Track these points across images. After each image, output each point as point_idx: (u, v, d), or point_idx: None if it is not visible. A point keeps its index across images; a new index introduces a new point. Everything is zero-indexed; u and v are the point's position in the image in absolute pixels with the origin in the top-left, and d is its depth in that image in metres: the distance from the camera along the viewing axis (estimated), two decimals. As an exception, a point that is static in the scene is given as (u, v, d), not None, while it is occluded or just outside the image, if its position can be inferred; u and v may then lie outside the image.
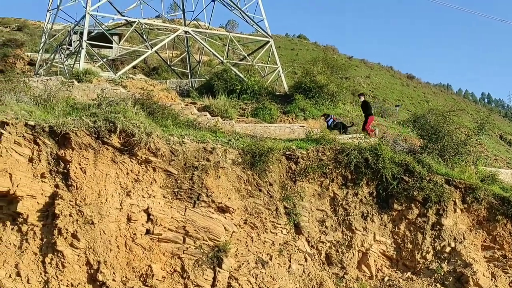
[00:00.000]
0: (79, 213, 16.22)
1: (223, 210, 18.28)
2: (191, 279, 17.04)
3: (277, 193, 19.63)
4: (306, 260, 19.27)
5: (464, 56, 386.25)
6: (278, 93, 39.10)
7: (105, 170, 17.09)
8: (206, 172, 18.29)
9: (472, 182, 21.04)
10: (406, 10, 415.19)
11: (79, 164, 16.77)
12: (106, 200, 16.79)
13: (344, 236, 19.97)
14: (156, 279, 16.69)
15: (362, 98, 28.42)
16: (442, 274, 19.85)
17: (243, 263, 18.12)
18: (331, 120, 28.65)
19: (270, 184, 19.60)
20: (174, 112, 22.51)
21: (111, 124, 17.42)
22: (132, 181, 17.42)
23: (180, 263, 17.24)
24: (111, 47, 52.50)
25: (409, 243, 20.20)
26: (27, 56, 50.57)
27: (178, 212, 17.62)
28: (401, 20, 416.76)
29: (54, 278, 15.69)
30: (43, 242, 15.99)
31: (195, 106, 31.65)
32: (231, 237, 18.28)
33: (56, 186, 16.54)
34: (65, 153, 16.71)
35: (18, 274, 15.47)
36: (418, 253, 20.07)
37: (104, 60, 43.11)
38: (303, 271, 19.05)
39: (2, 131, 16.10)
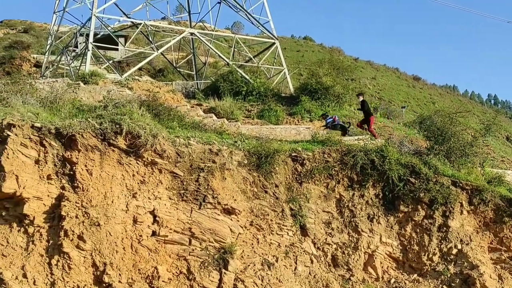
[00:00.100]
0: (85, 215, 16.26)
1: (229, 211, 18.28)
2: (197, 280, 17.06)
3: (283, 195, 19.62)
4: (312, 262, 19.25)
5: (471, 57, 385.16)
6: (284, 95, 39.06)
7: (111, 171, 17.12)
8: (212, 173, 18.29)
9: (478, 184, 20.97)
10: (412, 11, 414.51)
11: (85, 165, 16.79)
12: (112, 201, 16.81)
13: (350, 238, 19.94)
14: (162, 281, 16.71)
15: (361, 98, 28.35)
16: (449, 276, 19.80)
17: (249, 265, 18.12)
18: (331, 119, 28.64)
19: (276, 186, 19.59)
20: (180, 113, 22.52)
21: (117, 126, 17.44)
22: (138, 183, 17.43)
23: (186, 265, 17.26)
24: (117, 49, 52.58)
25: (416, 245, 20.15)
26: (34, 58, 50.72)
27: (184, 213, 17.64)
28: (406, 22, 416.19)
29: (60, 280, 15.73)
30: (49, 244, 16.03)
31: (201, 108, 31.69)
32: (237, 238, 18.28)
33: (62, 187, 16.57)
34: (71, 155, 16.74)
35: (24, 275, 15.52)
36: (424, 255, 20.02)
37: (110, 62, 43.12)
38: (309, 273, 19.03)
39: (9, 133, 16.14)
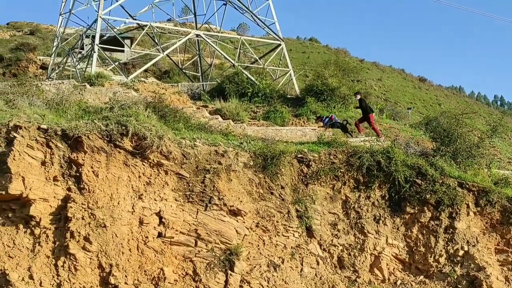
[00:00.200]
0: (91, 216, 16.29)
1: (235, 213, 18.29)
2: (203, 282, 17.07)
3: (289, 196, 19.60)
4: (318, 263, 19.23)
5: (477, 58, 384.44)
6: (289, 96, 39.06)
7: (117, 173, 17.15)
8: (218, 175, 18.30)
9: (485, 185, 20.89)
10: (417, 12, 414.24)
11: (92, 167, 16.83)
12: (118, 203, 16.85)
13: (356, 239, 19.91)
14: (168, 282, 16.74)
15: (358, 96, 28.37)
16: (455, 277, 19.73)
17: (255, 266, 18.12)
18: (327, 119, 28.65)
19: (282, 187, 19.57)
20: (185, 115, 22.56)
21: (123, 128, 17.46)
22: (144, 184, 17.46)
23: (192, 266, 17.28)
24: (123, 51, 52.61)
25: (422, 247, 20.10)
26: (40, 60, 50.91)
27: (190, 215, 17.66)
28: (412, 23, 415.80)
29: (66, 281, 15.78)
30: (55, 245, 16.08)
31: (206, 109, 31.73)
32: (243, 240, 18.29)
33: (69, 189, 16.61)
34: (77, 157, 16.78)
35: (31, 277, 15.58)
36: (431, 257, 19.96)
37: (116, 63, 43.20)
38: (315, 275, 19.02)
39: (15, 134, 16.20)
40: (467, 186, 20.73)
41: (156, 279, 16.72)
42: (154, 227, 17.17)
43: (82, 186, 16.59)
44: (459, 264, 19.96)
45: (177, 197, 17.80)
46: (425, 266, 20.00)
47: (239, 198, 18.52)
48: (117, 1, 40.71)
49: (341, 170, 20.39)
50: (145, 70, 46.63)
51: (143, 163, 17.56)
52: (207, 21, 50.62)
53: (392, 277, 19.84)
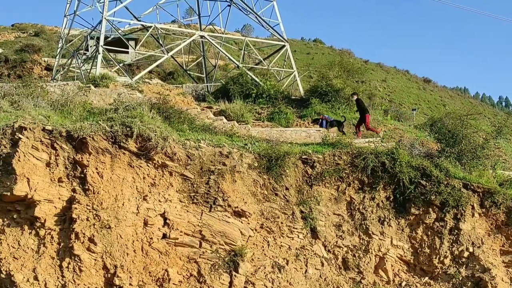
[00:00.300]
0: (96, 217, 16.30)
1: (239, 214, 18.29)
2: (208, 283, 17.07)
3: (293, 197, 19.60)
4: (322, 264, 19.22)
5: (481, 59, 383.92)
6: (294, 97, 39.09)
7: (121, 174, 17.16)
8: (222, 176, 18.30)
9: (490, 186, 20.85)
10: (422, 13, 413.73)
11: (96, 168, 16.85)
12: (123, 204, 16.84)
13: (361, 241, 19.90)
14: (173, 283, 16.73)
15: (355, 97, 28.38)
16: (460, 279, 19.70)
17: (259, 268, 18.12)
18: (324, 122, 28.69)
19: (286, 189, 19.57)
20: (190, 116, 22.59)
21: (127, 129, 17.47)
22: (148, 186, 17.47)
23: (196, 268, 17.28)
24: (127, 52, 52.81)
25: (427, 248, 20.08)
26: (44, 61, 51.09)
27: (194, 216, 17.65)
28: (416, 24, 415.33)
29: (71, 282, 15.78)
30: (60, 246, 16.08)
31: (211, 111, 31.75)
32: (247, 241, 18.28)
33: (73, 190, 16.63)
34: (82, 158, 16.80)
35: (35, 278, 15.60)
36: (435, 258, 19.94)
37: (121, 65, 43.32)
38: (320, 276, 19.00)
39: (20, 136, 16.22)
40: (472, 187, 20.68)
41: (161, 280, 16.72)
42: (158, 228, 17.17)
43: (86, 187, 16.60)
44: (464, 266, 19.93)
45: (181, 198, 17.81)
46: (430, 267, 19.97)
47: (243, 199, 18.52)
48: (121, 3, 40.84)
49: (346, 171, 20.37)
50: (150, 72, 46.74)
51: (148, 164, 17.57)
52: (211, 23, 50.81)
53: (397, 278, 19.82)
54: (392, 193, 20.48)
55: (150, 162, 17.58)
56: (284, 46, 43.77)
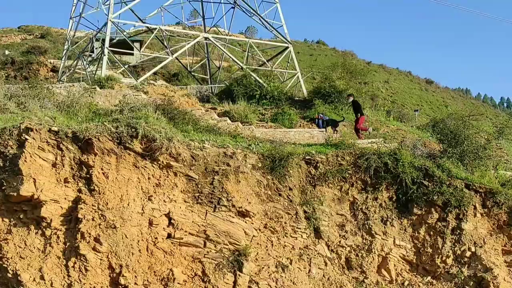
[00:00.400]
0: (101, 218, 16.41)
1: (243, 214, 18.38)
2: (212, 282, 17.15)
3: (296, 198, 19.67)
4: (326, 264, 19.30)
5: (483, 60, 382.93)
6: (297, 98, 39.23)
7: (127, 175, 17.27)
8: (227, 176, 18.40)
9: (492, 187, 20.90)
10: (424, 15, 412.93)
11: (102, 169, 16.96)
12: (128, 204, 16.94)
13: (364, 241, 19.98)
14: (178, 283, 16.82)
15: (351, 99, 28.52)
16: (463, 278, 19.77)
17: (263, 267, 18.21)
18: (321, 121, 28.84)
19: (290, 189, 19.65)
20: (194, 117, 22.70)
21: (133, 130, 17.57)
22: (153, 186, 17.57)
23: (201, 267, 17.36)
24: (132, 54, 53.05)
25: (429, 248, 20.16)
26: (50, 63, 51.27)
27: (199, 216, 17.74)
28: (419, 25, 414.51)
29: (77, 282, 15.88)
30: (66, 246, 16.18)
31: (215, 112, 31.90)
32: (251, 241, 18.36)
33: (79, 190, 16.73)
34: (87, 158, 16.91)
35: (42, 277, 15.71)
36: (438, 258, 20.01)
37: (126, 66, 43.51)
38: (323, 275, 19.09)
39: (27, 136, 16.34)
40: (474, 187, 20.75)
41: (166, 280, 16.81)
42: (163, 228, 17.26)
43: (92, 187, 16.71)
44: (466, 265, 20.00)
45: (186, 198, 17.90)
46: (432, 267, 20.05)
47: (247, 200, 18.60)
48: (126, 5, 41.03)
49: (349, 171, 20.44)
50: (154, 73, 46.90)
51: (153, 164, 17.67)
52: (215, 24, 50.97)
53: (399, 278, 19.89)
54: (395, 193, 20.55)
55: (155, 163, 17.69)
56: (287, 47, 43.94)
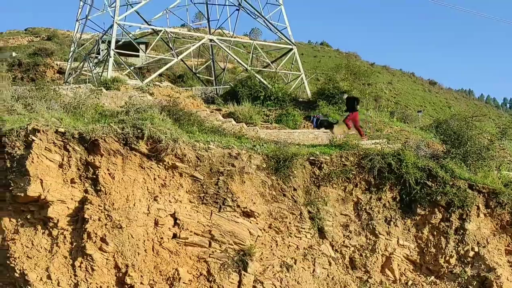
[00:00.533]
0: (107, 218, 16.56)
1: (248, 214, 18.48)
2: (217, 282, 17.26)
3: (301, 198, 19.76)
4: (330, 264, 19.40)
5: (486, 61, 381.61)
6: (301, 100, 39.26)
7: (133, 175, 17.39)
8: (231, 177, 18.50)
9: (495, 187, 20.97)
10: (427, 16, 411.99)
11: (108, 169, 17.09)
12: (134, 204, 17.07)
13: (368, 241, 20.07)
14: (183, 282, 16.94)
15: (346, 96, 28.58)
16: (466, 278, 19.87)
17: (268, 267, 18.32)
18: (315, 119, 28.97)
19: (294, 189, 19.74)
20: (199, 118, 22.77)
21: (138, 131, 17.70)
22: (159, 186, 17.68)
23: (206, 267, 17.48)
24: (138, 56, 53.11)
25: (433, 248, 20.24)
26: (57, 64, 51.38)
27: (204, 216, 17.85)
28: (422, 27, 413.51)
29: (83, 281, 16.03)
30: (73, 246, 16.33)
31: (220, 113, 31.96)
32: (256, 241, 18.46)
33: (86, 191, 16.88)
34: (94, 159, 17.05)
35: (48, 277, 15.87)
36: (441, 257, 20.10)
37: (131, 68, 43.63)
38: (327, 275, 19.18)
39: (34, 137, 16.47)
40: (477, 188, 20.82)
41: (171, 279, 16.94)
42: (169, 228, 17.39)
43: (98, 188, 16.85)
44: (470, 265, 20.09)
45: (191, 198, 18.01)
46: (436, 266, 20.14)
47: (252, 200, 18.70)
48: (132, 7, 41.16)
49: (353, 172, 20.53)
50: (160, 75, 47.00)
51: (158, 165, 17.78)
52: (220, 26, 50.92)
53: (403, 277, 19.98)
54: (399, 194, 20.64)
55: (161, 164, 17.81)
56: (291, 49, 44.02)
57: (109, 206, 16.71)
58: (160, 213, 17.34)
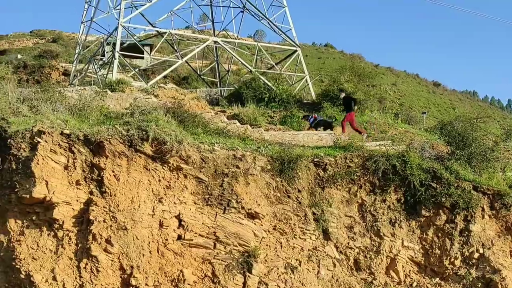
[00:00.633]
0: (112, 219, 16.60)
1: (252, 216, 18.51)
2: (222, 283, 17.29)
3: (305, 200, 19.79)
4: (334, 265, 19.40)
5: (490, 62, 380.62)
6: (305, 101, 39.22)
7: (137, 177, 17.43)
8: (236, 179, 18.53)
9: (500, 188, 20.97)
10: (431, 17, 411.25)
11: (113, 171, 17.14)
12: (139, 206, 17.12)
13: (373, 242, 20.07)
14: (188, 284, 16.95)
15: (343, 94, 28.61)
16: (471, 280, 19.85)
17: (272, 268, 18.33)
18: (312, 119, 28.97)
19: (299, 191, 19.76)
20: (204, 120, 22.75)
21: (143, 133, 17.76)
22: (164, 188, 17.73)
23: (210, 268, 17.50)
24: (142, 58, 53.14)
25: (437, 249, 20.24)
26: (62, 66, 51.46)
27: (208, 218, 17.88)
28: (426, 28, 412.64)
29: (88, 283, 16.06)
30: (78, 247, 16.38)
31: (224, 114, 31.94)
32: (260, 242, 18.48)
33: (91, 193, 16.93)
34: (99, 161, 17.11)
35: (54, 278, 15.90)
36: (446, 259, 20.10)
37: (136, 70, 43.63)
38: (332, 277, 19.18)
39: (39, 139, 16.56)
40: (482, 189, 20.83)
41: (176, 281, 16.96)
42: (173, 229, 17.42)
43: (103, 189, 16.90)
44: (475, 267, 20.08)
45: (196, 200, 18.05)
46: (440, 268, 20.14)
47: (256, 202, 18.73)
48: (137, 9, 41.22)
49: (357, 173, 20.55)
50: (165, 76, 47.01)
51: (163, 167, 17.82)
52: (224, 28, 50.94)
53: (407, 279, 19.98)
54: (403, 195, 20.64)
55: (165, 165, 17.85)
56: (296, 51, 43.99)
57: (114, 208, 16.76)
58: (165, 215, 17.37)
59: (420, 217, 20.49)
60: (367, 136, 27.60)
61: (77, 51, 45.74)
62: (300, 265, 18.79)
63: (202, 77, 51.36)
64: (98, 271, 16.19)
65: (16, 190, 16.28)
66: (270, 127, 31.44)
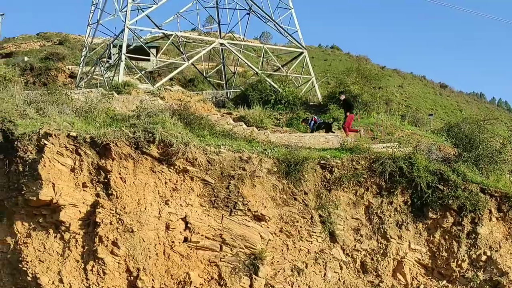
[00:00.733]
0: (119, 221, 16.64)
1: (259, 218, 18.50)
2: (228, 286, 17.31)
3: (312, 202, 19.76)
4: (341, 268, 19.37)
5: (498, 64, 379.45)
6: (312, 103, 39.17)
7: (144, 179, 17.46)
8: (242, 181, 18.54)
9: (507, 191, 20.89)
10: (438, 19, 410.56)
11: (119, 173, 17.18)
12: (145, 208, 17.15)
13: (379, 245, 20.02)
14: (194, 286, 16.99)
15: (343, 97, 28.59)
16: (478, 282, 19.77)
17: (279, 271, 18.33)
18: (313, 122, 28.93)
19: (305, 193, 19.75)
20: (210, 122, 22.78)
21: (150, 135, 17.78)
22: (170, 190, 17.74)
23: (217, 271, 17.52)
24: (149, 60, 53.17)
25: (444, 252, 20.17)
26: (68, 69, 51.48)
27: (215, 220, 17.90)
28: (433, 29, 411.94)
29: (95, 285, 16.11)
30: (84, 250, 16.42)
31: (230, 117, 31.93)
32: (267, 245, 18.48)
33: (97, 195, 16.98)
34: (105, 163, 17.14)
35: (60, 280, 15.96)
36: (453, 262, 20.03)
37: (143, 72, 43.72)
38: (339, 279, 19.16)
39: (46, 142, 16.61)
40: (490, 191, 20.76)
41: (182, 283, 16.98)
42: (180, 232, 17.45)
43: (110, 192, 16.94)
44: (482, 269, 20.00)
45: (202, 202, 18.05)
46: (447, 271, 20.06)
47: (263, 204, 18.72)
48: (143, 12, 41.28)
49: (364, 176, 20.51)
50: (171, 79, 46.99)
51: (169, 169, 17.84)
52: (230, 30, 50.98)
53: (414, 281, 19.92)
54: (410, 198, 20.59)
55: (172, 167, 17.86)
56: (302, 53, 43.94)
57: (120, 210, 16.80)
58: (171, 217, 17.40)
59: (427, 219, 20.43)
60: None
61: (83, 53, 45.82)
62: (306, 267, 18.77)
63: (208, 79, 51.39)
64: (104, 273, 16.23)
65: (23, 192, 16.33)
66: (276, 129, 31.42)
